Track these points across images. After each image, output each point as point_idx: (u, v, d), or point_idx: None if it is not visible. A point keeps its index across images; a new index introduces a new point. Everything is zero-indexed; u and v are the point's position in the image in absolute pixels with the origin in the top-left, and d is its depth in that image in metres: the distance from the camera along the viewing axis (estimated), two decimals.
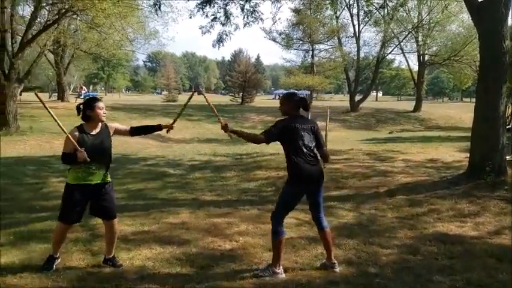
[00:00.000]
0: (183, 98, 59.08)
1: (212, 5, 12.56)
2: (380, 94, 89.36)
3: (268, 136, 4.04)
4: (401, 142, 15.68)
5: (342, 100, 60.24)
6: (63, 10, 18.23)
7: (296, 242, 4.93)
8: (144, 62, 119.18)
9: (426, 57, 36.76)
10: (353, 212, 6.33)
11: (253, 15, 12.99)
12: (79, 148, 3.93)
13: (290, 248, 4.73)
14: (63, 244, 4.30)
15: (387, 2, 24.70)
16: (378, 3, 24.40)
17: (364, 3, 30.49)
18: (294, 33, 28.14)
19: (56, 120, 3.96)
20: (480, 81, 8.06)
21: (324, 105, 37.95)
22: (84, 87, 45.50)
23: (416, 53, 36.78)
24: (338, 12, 32.39)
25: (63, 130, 3.97)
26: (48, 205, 6.85)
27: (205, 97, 4.81)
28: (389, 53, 38.23)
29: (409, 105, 38.68)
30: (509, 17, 7.83)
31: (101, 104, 4.13)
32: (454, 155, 11.00)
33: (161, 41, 40.27)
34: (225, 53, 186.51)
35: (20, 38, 18.75)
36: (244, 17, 12.97)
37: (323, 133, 4.87)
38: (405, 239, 5.10)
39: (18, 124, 18.95)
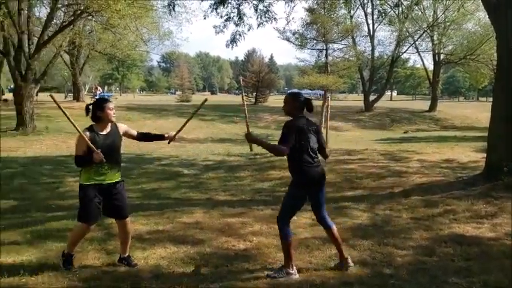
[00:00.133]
0: (196, 98, 59.33)
1: (226, 5, 12.60)
2: (395, 93, 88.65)
3: (288, 145, 3.91)
4: (416, 142, 15.53)
5: (356, 100, 59.92)
6: (79, 11, 18.43)
7: (310, 242, 4.92)
8: (158, 62, 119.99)
9: (442, 56, 36.36)
10: (367, 213, 6.29)
11: (266, 15, 13.00)
12: (95, 149, 3.95)
13: (304, 248, 4.72)
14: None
15: (402, 0, 24.54)
16: (392, 1, 24.29)
17: (378, 2, 30.37)
18: (308, 32, 28.02)
19: (71, 121, 3.99)
20: (497, 80, 7.95)
21: (338, 105, 37.85)
22: (99, 88, 45.91)
23: (431, 52, 36.41)
24: (352, 12, 32.31)
25: (78, 130, 4.00)
26: (64, 204, 6.93)
27: (243, 99, 4.76)
28: (404, 52, 37.95)
29: (424, 104, 38.32)
30: None
31: (110, 105, 4.15)
32: (470, 155, 10.86)
33: (175, 42, 40.58)
34: (238, 53, 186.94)
35: (37, 39, 19.03)
36: (257, 17, 12.98)
37: (324, 131, 4.85)
38: (420, 240, 5.04)
39: (35, 124, 19.21)
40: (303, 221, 5.78)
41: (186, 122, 4.74)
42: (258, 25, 13.24)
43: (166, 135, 4.59)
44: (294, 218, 5.87)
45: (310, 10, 25.82)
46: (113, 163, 4.15)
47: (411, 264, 4.31)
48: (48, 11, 19.64)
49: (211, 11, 12.64)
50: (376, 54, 37.18)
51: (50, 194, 7.87)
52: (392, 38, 35.46)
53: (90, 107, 4.15)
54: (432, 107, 35.48)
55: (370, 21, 34.53)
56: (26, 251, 4.63)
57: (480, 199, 6.65)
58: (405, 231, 5.37)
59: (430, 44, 35.45)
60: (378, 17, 33.48)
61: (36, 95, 21.56)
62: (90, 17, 20.14)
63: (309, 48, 29.19)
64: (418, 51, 37.09)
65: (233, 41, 13.73)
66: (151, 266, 4.27)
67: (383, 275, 4.05)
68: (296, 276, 3.98)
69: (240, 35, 13.44)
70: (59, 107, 4.10)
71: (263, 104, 44.10)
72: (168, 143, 4.58)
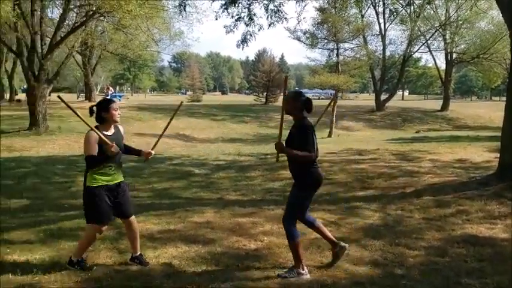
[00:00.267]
0: (207, 98, 59.52)
1: (236, 5, 12.60)
2: (406, 93, 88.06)
3: (314, 148, 3.94)
4: (428, 142, 15.41)
5: (367, 99, 59.63)
6: (91, 12, 18.58)
7: (321, 242, 4.89)
8: (169, 62, 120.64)
9: (454, 55, 36.05)
10: (379, 213, 6.25)
11: (277, 15, 12.97)
12: (110, 142, 3.94)
13: (315, 248, 4.71)
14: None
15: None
16: (404, 0, 24.12)
17: (389, 1, 30.18)
18: (319, 32, 27.87)
19: (80, 117, 3.98)
20: (511, 79, 7.85)
21: (348, 105, 37.70)
22: (110, 88, 46.25)
23: (443, 51, 36.10)
24: (363, 11, 32.13)
25: (88, 126, 3.98)
26: (76, 204, 6.98)
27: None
28: (416, 51, 37.63)
29: (436, 104, 38.03)
30: None
31: (115, 105, 4.16)
32: (483, 155, 10.75)
33: (186, 42, 40.49)
34: (249, 52, 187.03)
35: (49, 39, 19.22)
36: (268, 17, 12.96)
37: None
38: (433, 240, 5.00)
39: (48, 124, 19.41)
40: None
41: (162, 134, 4.63)
42: (269, 25, 13.22)
43: (143, 151, 4.52)
44: None
45: (321, 9, 25.71)
46: (118, 163, 4.21)
47: (423, 264, 4.28)
48: (61, 11, 19.83)
49: (223, 11, 12.65)
50: (388, 53, 37.04)
51: (62, 193, 7.94)
52: (403, 37, 35.25)
53: (94, 108, 4.15)
54: (444, 107, 35.20)
55: (381, 21, 34.38)
56: (39, 250, 4.67)
57: (493, 199, 6.58)
58: (417, 231, 5.33)
59: (442, 43, 35.17)
60: (390, 16, 33.30)
61: (49, 95, 21.80)
62: (102, 18, 20.28)
63: (319, 48, 29.02)
64: (430, 50, 36.83)
65: (244, 41, 13.72)
66: (162, 265, 4.29)
67: (395, 275, 4.02)
68: (307, 276, 3.97)
69: (250, 35, 13.43)
70: (67, 105, 4.05)
71: (274, 103, 44.09)
72: (145, 161, 4.51)
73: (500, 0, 7.95)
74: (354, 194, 7.54)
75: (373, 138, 20.05)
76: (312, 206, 6.55)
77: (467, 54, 34.48)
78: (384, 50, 35.12)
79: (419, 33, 33.81)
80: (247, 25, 12.92)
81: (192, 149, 15.99)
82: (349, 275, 4.02)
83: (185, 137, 21.58)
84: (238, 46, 14.01)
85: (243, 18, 12.81)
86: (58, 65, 22.42)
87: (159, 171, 10.27)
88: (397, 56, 38.79)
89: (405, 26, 33.87)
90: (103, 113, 4.10)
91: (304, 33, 28.33)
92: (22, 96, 35.48)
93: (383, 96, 36.93)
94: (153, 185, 8.69)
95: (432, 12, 33.38)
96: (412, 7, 29.53)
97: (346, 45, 29.25)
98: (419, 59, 70.43)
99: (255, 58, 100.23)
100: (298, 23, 32.06)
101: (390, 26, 35.45)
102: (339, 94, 27.68)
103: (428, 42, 35.24)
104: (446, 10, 33.19)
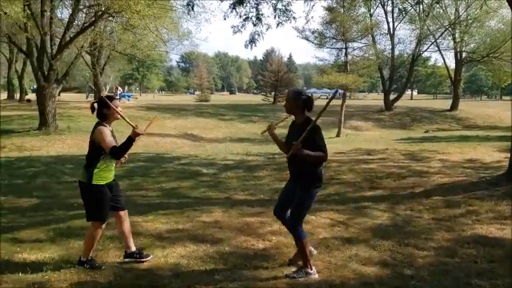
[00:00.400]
0: (215, 97, 59.62)
1: (244, 5, 12.57)
2: (415, 92, 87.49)
3: (326, 149, 3.93)
4: (437, 142, 15.32)
5: (376, 99, 59.37)
6: (100, 12, 18.67)
7: (330, 242, 4.89)
8: (177, 62, 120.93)
9: (464, 55, 35.75)
10: (388, 213, 6.22)
11: (285, 14, 12.93)
12: (135, 125, 3.94)
13: (323, 248, 4.70)
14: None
15: None
16: None
17: (398, 0, 29.97)
18: (327, 31, 27.78)
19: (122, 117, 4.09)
20: None
21: (357, 104, 37.56)
22: (119, 88, 46.45)
23: (453, 50, 35.81)
24: (372, 10, 31.98)
25: (125, 120, 4.05)
26: None
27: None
28: (425, 50, 37.42)
29: (446, 103, 37.76)
30: None
31: (116, 102, 4.19)
32: (493, 155, 10.67)
33: (194, 42, 40.70)
34: (257, 52, 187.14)
35: (59, 40, 19.31)
36: (276, 17, 12.92)
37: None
38: (442, 241, 4.97)
39: (57, 124, 19.53)
40: (322, 221, 5.76)
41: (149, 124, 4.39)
42: (277, 24, 13.17)
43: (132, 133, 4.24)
44: (313, 217, 5.88)
45: (329, 9, 25.62)
46: (115, 160, 4.23)
47: (432, 265, 4.25)
48: (70, 12, 19.95)
49: (231, 11, 12.64)
50: (396, 52, 36.79)
51: (71, 192, 7.98)
52: (412, 36, 35.04)
53: (95, 105, 4.18)
54: (454, 106, 34.94)
55: (390, 20, 34.22)
56: (49, 248, 4.70)
57: (504, 199, 6.52)
58: (426, 231, 5.29)
59: (452, 42, 34.86)
60: (398, 15, 33.10)
61: (59, 95, 21.95)
62: (110, 18, 20.37)
63: (328, 47, 28.91)
64: (439, 50, 36.56)
65: (252, 41, 13.67)
66: (171, 264, 4.30)
67: (404, 276, 4.00)
68: (315, 275, 3.96)
69: (258, 35, 13.39)
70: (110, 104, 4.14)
71: (282, 103, 43.99)
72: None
73: None
74: (363, 194, 7.52)
75: (382, 138, 19.98)
76: (321, 206, 6.56)
77: (477, 54, 34.17)
78: (392, 49, 34.93)
79: (428, 32, 33.58)
80: (255, 25, 12.89)
81: (200, 149, 16.01)
82: (358, 275, 4.00)
83: (193, 136, 21.60)
84: (246, 46, 13.97)
85: (251, 18, 12.78)
86: (67, 65, 22.56)
87: (168, 170, 10.30)
88: (406, 55, 38.62)
89: (414, 25, 33.68)
90: (104, 109, 4.12)
91: (313, 33, 28.26)
92: (32, 96, 35.73)
93: (392, 96, 36.71)
94: (161, 185, 8.72)
95: (441, 11, 33.12)
96: (421, 6, 29.32)
97: (355, 44, 29.16)
98: (428, 58, 70.04)
99: (263, 58, 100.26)
100: (307, 23, 31.96)
101: (399, 25, 35.25)
102: (348, 93, 27.53)
103: (438, 41, 35.01)
104: (455, 9, 32.93)
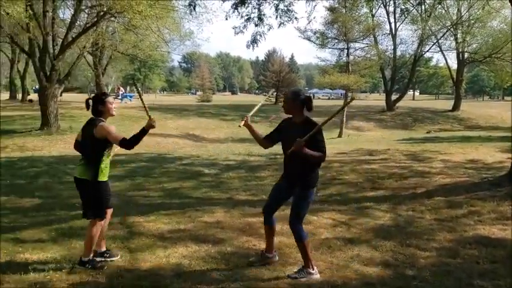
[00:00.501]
0: (217, 98, 59.64)
1: (246, 6, 12.58)
2: (417, 93, 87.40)
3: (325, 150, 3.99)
4: (439, 142, 15.29)
5: (377, 99, 59.33)
6: (102, 13, 18.69)
7: (332, 242, 4.88)
8: (179, 62, 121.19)
9: (466, 55, 35.72)
10: (390, 213, 6.21)
11: (287, 14, 12.93)
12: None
13: (325, 248, 4.69)
14: None
15: None
16: (415, 0, 23.94)
17: (400, 0, 29.94)
18: (329, 31, 27.78)
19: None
20: None
21: (359, 105, 37.53)
22: (121, 88, 46.49)
23: (455, 51, 35.78)
24: (374, 10, 31.97)
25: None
26: None
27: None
28: (427, 51, 37.40)
29: (448, 104, 37.73)
30: None
31: (110, 99, 4.21)
32: (496, 155, 10.64)
33: (196, 42, 40.56)
34: (259, 52, 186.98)
35: (61, 40, 19.35)
36: (278, 17, 12.92)
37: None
38: (444, 241, 4.96)
39: (59, 124, 19.57)
40: (324, 221, 5.76)
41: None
42: (279, 25, 13.18)
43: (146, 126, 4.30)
44: (315, 218, 5.87)
45: (331, 9, 25.62)
46: None
47: (434, 265, 4.24)
48: (72, 12, 19.97)
49: (233, 12, 12.65)
50: (398, 53, 36.77)
51: (73, 192, 7.92)
52: (414, 37, 35.03)
53: (90, 101, 4.19)
54: (456, 107, 34.91)
55: (392, 20, 34.21)
56: (51, 249, 4.71)
57: (506, 200, 6.50)
58: (428, 232, 5.28)
59: (454, 43, 34.84)
60: (400, 16, 33.07)
61: (61, 95, 21.97)
62: (112, 18, 20.42)
63: (330, 48, 28.91)
64: (441, 50, 36.52)
65: (253, 41, 13.69)
66: (172, 264, 4.30)
67: (406, 276, 4.00)
68: (317, 275, 3.95)
69: (260, 35, 13.40)
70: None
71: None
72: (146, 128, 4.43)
73: None
74: (365, 195, 7.51)
75: (384, 139, 19.96)
76: (322, 206, 6.56)
77: (479, 54, 34.12)
78: (394, 49, 34.93)
79: (430, 32, 33.55)
80: (256, 25, 12.90)
81: (201, 149, 16.02)
82: (360, 275, 4.00)
83: (195, 137, 21.62)
84: (248, 47, 13.99)
85: (253, 18, 12.79)
86: (69, 66, 22.61)
87: (169, 171, 10.30)
88: (407, 56, 38.58)
89: (416, 26, 33.64)
90: (99, 106, 4.14)
91: (315, 33, 28.25)
92: (34, 96, 35.80)
93: (394, 96, 36.71)
94: (163, 185, 8.72)
95: (443, 11, 33.09)
96: (423, 6, 29.29)
97: (357, 45, 29.18)
98: (430, 59, 70.08)
99: (265, 58, 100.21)
100: (309, 23, 32.03)
101: (401, 25, 35.23)
102: (349, 94, 27.51)
103: (440, 41, 34.98)
104: (457, 9, 32.90)
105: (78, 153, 4.35)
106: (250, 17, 12.79)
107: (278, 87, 46.11)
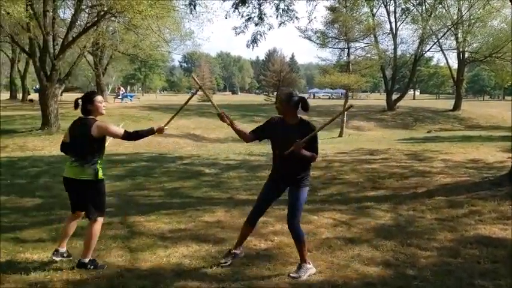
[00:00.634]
0: (217, 97, 59.61)
1: (247, 5, 12.56)
2: (417, 92, 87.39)
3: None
4: (440, 142, 15.28)
5: (378, 99, 59.31)
6: (102, 12, 18.67)
7: (332, 242, 4.88)
8: (179, 62, 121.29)
9: (466, 54, 35.68)
10: (390, 213, 6.21)
11: (287, 14, 12.91)
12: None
13: (326, 248, 4.69)
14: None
15: None
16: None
17: (401, 0, 29.92)
18: (329, 31, 27.79)
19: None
20: None
21: (360, 104, 37.51)
22: (122, 88, 46.50)
23: (455, 50, 35.75)
24: (374, 10, 31.95)
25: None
26: None
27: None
28: (428, 50, 37.37)
29: (448, 103, 37.70)
30: None
31: (100, 98, 4.21)
32: (496, 155, 10.63)
33: (196, 42, 40.60)
34: (259, 52, 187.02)
35: (61, 40, 19.34)
36: (278, 16, 12.90)
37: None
38: (445, 241, 4.95)
39: (59, 124, 19.55)
40: (324, 221, 5.75)
41: (177, 113, 4.90)
42: (280, 24, 13.16)
43: (156, 128, 4.51)
44: (315, 217, 5.87)
45: (331, 9, 25.61)
46: None
47: (435, 265, 4.24)
48: (73, 12, 19.96)
49: (233, 11, 12.63)
50: (399, 52, 36.77)
51: None
52: (415, 36, 34.99)
53: (80, 101, 4.19)
54: (456, 106, 34.88)
55: (392, 19, 34.18)
56: (51, 248, 4.69)
57: (507, 200, 6.50)
58: (429, 232, 5.28)
59: (454, 42, 34.80)
60: (401, 15, 33.05)
61: (61, 95, 21.97)
62: (113, 18, 20.38)
63: (330, 47, 28.93)
64: (441, 50, 36.50)
65: (254, 41, 13.66)
66: (173, 264, 4.30)
67: (406, 276, 3.99)
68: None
69: (260, 35, 13.38)
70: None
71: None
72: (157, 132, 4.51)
73: None
74: (365, 194, 7.50)
75: (385, 138, 19.95)
76: (323, 206, 6.55)
77: (480, 53, 34.10)
78: (395, 49, 34.91)
79: (430, 32, 33.52)
80: (257, 24, 12.88)
81: (202, 149, 16.02)
82: (361, 275, 3.99)
83: (195, 136, 21.60)
84: (248, 46, 13.96)
85: (253, 18, 12.77)
86: (70, 65, 22.60)
87: (170, 170, 10.29)
88: (408, 55, 38.56)
89: (417, 25, 33.61)
90: (88, 105, 4.15)
91: (315, 33, 28.26)
92: (34, 96, 35.80)
93: (394, 96, 36.68)
94: (163, 185, 8.72)
95: (444, 11, 33.06)
96: (423, 6, 29.27)
97: (357, 44, 29.19)
98: (430, 58, 70.00)
99: (265, 58, 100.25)
100: (309, 23, 32.04)
101: (401, 25, 35.19)
102: (350, 93, 27.52)
103: (440, 41, 34.95)
104: (458, 9, 32.87)
105: None
106: (250, 17, 12.78)
107: (278, 87, 46.09)
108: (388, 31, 34.57)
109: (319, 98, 72.85)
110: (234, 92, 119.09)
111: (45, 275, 3.96)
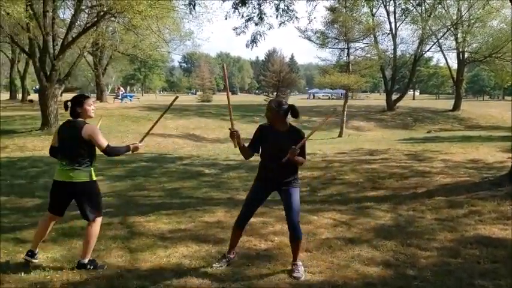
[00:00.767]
0: (217, 98, 59.56)
1: (247, 6, 12.56)
2: (417, 93, 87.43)
3: None
4: (440, 142, 15.28)
5: (378, 99, 59.33)
6: (102, 13, 18.68)
7: (332, 242, 4.88)
8: (179, 62, 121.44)
9: (466, 55, 35.70)
10: (390, 213, 6.21)
11: (287, 14, 12.92)
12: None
13: (326, 248, 4.69)
14: None
15: None
16: (415, 0, 23.97)
17: (401, 0, 29.95)
18: (329, 31, 27.76)
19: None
20: None
21: (359, 104, 37.54)
22: (121, 88, 46.49)
23: (455, 51, 35.76)
24: (374, 10, 31.95)
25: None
26: None
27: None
28: (427, 50, 37.37)
29: (448, 104, 37.72)
30: None
31: (89, 101, 4.19)
32: (496, 155, 10.63)
33: (196, 42, 40.63)
34: (259, 52, 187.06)
35: (61, 40, 19.35)
36: (278, 16, 12.90)
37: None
38: (445, 241, 4.95)
39: (59, 124, 19.52)
40: (324, 221, 5.75)
41: (153, 127, 4.83)
42: (280, 24, 13.17)
43: (131, 146, 4.47)
44: (315, 218, 5.87)
45: (331, 9, 25.58)
46: None
47: (435, 265, 4.23)
48: (72, 12, 19.96)
49: (233, 12, 12.63)
50: (399, 53, 36.74)
51: None
52: (415, 37, 34.99)
53: (69, 103, 4.18)
54: (456, 106, 34.89)
55: (392, 20, 34.18)
56: (51, 249, 4.70)
57: (507, 200, 6.49)
58: (429, 232, 5.28)
59: (454, 43, 34.82)
60: (401, 16, 33.06)
61: (61, 95, 21.96)
62: (113, 18, 20.39)
63: (330, 47, 28.86)
64: (441, 50, 36.51)
65: (253, 41, 13.65)
66: (173, 264, 4.29)
67: (407, 276, 3.99)
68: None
69: (260, 35, 13.38)
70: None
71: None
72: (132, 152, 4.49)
73: None
74: (365, 194, 7.50)
75: (384, 138, 19.95)
76: (323, 206, 6.55)
77: (480, 54, 34.10)
78: (394, 49, 34.90)
79: (430, 32, 33.53)
80: (257, 24, 12.88)
81: (202, 149, 16.02)
82: (361, 275, 3.99)
83: (195, 137, 21.60)
84: (247, 46, 13.96)
85: (253, 18, 12.77)
86: (69, 66, 22.60)
87: (170, 171, 10.30)
88: (408, 56, 38.55)
89: (416, 25, 33.62)
90: (78, 108, 4.13)
91: (315, 33, 28.21)
92: (34, 96, 35.80)
93: (394, 96, 36.68)
94: (163, 185, 8.72)
95: (444, 11, 33.08)
96: (423, 6, 29.29)
97: (357, 44, 29.13)
98: (430, 59, 70.10)
99: (265, 58, 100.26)
100: (309, 23, 32.00)
101: (401, 25, 35.19)
102: (349, 94, 27.51)
103: (440, 41, 34.97)
104: (458, 9, 32.89)
105: None
106: (251, 17, 12.78)
107: (278, 87, 46.09)
108: (388, 31, 34.59)
109: (319, 98, 72.91)
110: (233, 92, 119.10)
111: (45, 275, 3.96)
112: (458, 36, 33.93)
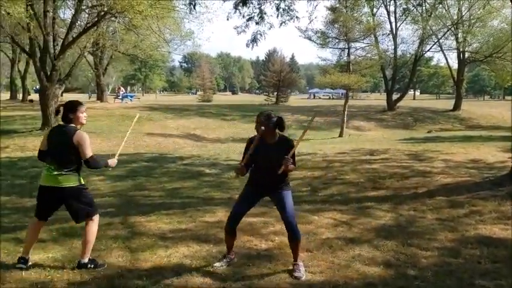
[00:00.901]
0: (217, 98, 59.57)
1: (248, 5, 12.56)
2: (418, 92, 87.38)
3: None
4: (440, 142, 15.28)
5: (378, 99, 59.30)
6: (102, 13, 18.67)
7: (333, 242, 4.88)
8: (179, 62, 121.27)
9: (466, 55, 35.65)
10: (391, 213, 6.20)
11: (288, 14, 12.91)
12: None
13: (327, 248, 4.69)
14: None
15: None
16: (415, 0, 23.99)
17: (401, 0, 29.96)
18: (330, 31, 27.72)
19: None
20: None
21: (360, 104, 37.53)
22: (122, 88, 46.49)
23: (455, 50, 35.73)
24: (375, 10, 31.92)
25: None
26: None
27: None
28: (428, 50, 37.27)
29: (449, 104, 37.68)
30: None
31: (82, 108, 4.18)
32: (497, 155, 10.63)
33: (196, 42, 40.62)
34: (259, 52, 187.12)
35: (61, 40, 19.33)
36: (278, 16, 12.90)
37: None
38: (446, 241, 4.95)
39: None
40: (325, 221, 5.75)
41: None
42: (281, 24, 13.16)
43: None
44: (316, 218, 5.87)
45: (332, 9, 25.56)
46: None
47: (436, 265, 4.23)
48: (73, 12, 19.96)
49: (234, 12, 12.63)
50: (399, 52, 36.67)
51: None
52: (415, 36, 34.93)
53: (61, 108, 4.17)
54: (456, 106, 34.83)
55: (392, 20, 34.14)
56: (52, 248, 4.70)
57: (507, 200, 6.50)
58: (430, 232, 5.28)
59: (455, 42, 34.77)
60: (401, 15, 33.03)
61: (61, 95, 21.97)
62: (113, 18, 20.37)
63: (330, 47, 28.80)
64: (442, 50, 36.45)
65: (254, 40, 13.64)
66: (174, 264, 4.30)
67: (407, 276, 3.99)
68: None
69: (261, 34, 13.36)
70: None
71: (284, 103, 44.01)
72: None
73: None
74: (366, 194, 7.50)
75: (385, 138, 19.95)
76: (323, 206, 6.55)
77: (480, 53, 34.04)
78: (395, 49, 34.84)
79: (431, 32, 33.50)
80: (257, 23, 12.88)
81: (202, 149, 16.01)
82: (361, 275, 3.99)
83: (196, 136, 21.58)
84: (247, 45, 13.94)
85: (254, 17, 12.77)
86: (70, 66, 22.59)
87: (170, 171, 10.30)
88: (408, 56, 38.49)
89: (417, 25, 33.59)
90: (70, 114, 4.12)
91: (315, 33, 28.18)
92: (35, 96, 35.81)
93: (394, 96, 36.64)
94: (164, 185, 8.73)
95: (444, 11, 33.05)
96: (423, 6, 29.26)
97: (357, 44, 29.06)
98: (431, 59, 69.95)
99: (266, 58, 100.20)
100: (310, 23, 32.00)
101: (402, 25, 35.15)
102: (350, 94, 27.50)
103: (440, 41, 34.91)
104: (458, 9, 32.86)
105: None
106: (251, 17, 12.77)
107: (279, 87, 46.07)
108: (388, 31, 34.54)
109: (320, 98, 72.87)
110: (234, 92, 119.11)
111: (45, 275, 3.96)
112: (459, 36, 33.89)
